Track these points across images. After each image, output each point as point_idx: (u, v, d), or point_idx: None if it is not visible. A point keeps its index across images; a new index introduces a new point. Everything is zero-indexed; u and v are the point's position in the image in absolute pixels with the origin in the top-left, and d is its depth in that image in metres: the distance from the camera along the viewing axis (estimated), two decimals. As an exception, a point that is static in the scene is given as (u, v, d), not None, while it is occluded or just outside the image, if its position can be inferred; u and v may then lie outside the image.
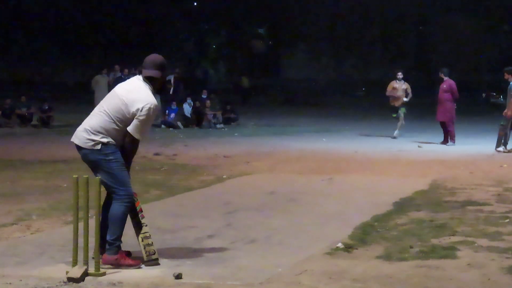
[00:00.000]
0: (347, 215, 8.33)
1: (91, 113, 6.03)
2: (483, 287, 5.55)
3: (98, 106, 6.05)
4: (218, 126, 22.39)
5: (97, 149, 5.86)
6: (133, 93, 5.92)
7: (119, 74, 22.17)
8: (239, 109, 25.94)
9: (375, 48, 43.24)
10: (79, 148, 5.97)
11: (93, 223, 5.70)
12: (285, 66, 46.44)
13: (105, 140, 5.86)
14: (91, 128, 5.89)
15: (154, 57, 6.18)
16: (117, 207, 5.88)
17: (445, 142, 17.22)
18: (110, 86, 22.31)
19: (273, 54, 46.86)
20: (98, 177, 5.86)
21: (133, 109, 5.85)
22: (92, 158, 5.91)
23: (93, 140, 5.86)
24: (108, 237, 5.85)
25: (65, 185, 9.75)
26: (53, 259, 6.17)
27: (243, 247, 6.68)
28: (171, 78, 24.24)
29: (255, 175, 11.82)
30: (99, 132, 5.87)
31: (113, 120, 5.88)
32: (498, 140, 15.61)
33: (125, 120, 5.88)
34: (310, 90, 38.93)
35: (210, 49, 45.41)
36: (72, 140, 6.00)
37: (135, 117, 5.86)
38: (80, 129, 5.96)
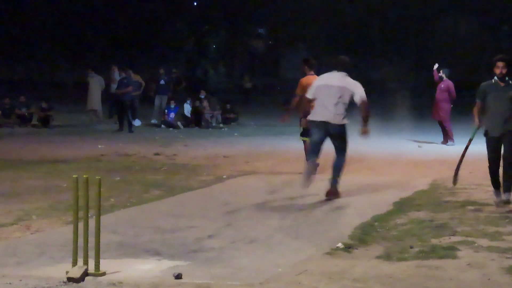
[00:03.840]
0: (347, 215, 8.34)
1: (326, 106, 9.33)
2: (483, 287, 5.56)
3: (328, 100, 9.35)
4: (214, 124, 22.36)
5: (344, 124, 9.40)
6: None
7: (116, 74, 22.12)
8: (240, 108, 25.93)
9: (375, 48, 43.22)
10: (329, 124, 9.32)
11: (93, 223, 5.70)
12: (285, 66, 46.41)
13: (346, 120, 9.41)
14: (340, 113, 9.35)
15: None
16: (342, 159, 9.56)
17: (445, 142, 17.23)
18: (110, 86, 22.36)
19: (273, 54, 46.84)
20: (99, 177, 5.86)
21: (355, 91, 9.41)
22: (338, 131, 9.39)
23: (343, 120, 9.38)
24: (337, 178, 9.48)
25: (65, 185, 9.74)
26: (53, 259, 6.17)
27: (243, 247, 6.69)
28: (168, 78, 24.22)
29: (255, 175, 11.82)
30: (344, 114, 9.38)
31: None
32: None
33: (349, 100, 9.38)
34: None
35: (210, 49, 45.39)
36: (322, 119, 9.32)
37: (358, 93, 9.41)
38: (331, 113, 9.31)
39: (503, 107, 8.70)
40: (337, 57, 9.79)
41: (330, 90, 9.39)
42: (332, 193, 9.43)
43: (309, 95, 9.70)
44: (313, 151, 9.56)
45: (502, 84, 8.72)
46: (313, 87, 9.67)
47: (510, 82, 8.71)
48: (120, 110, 20.36)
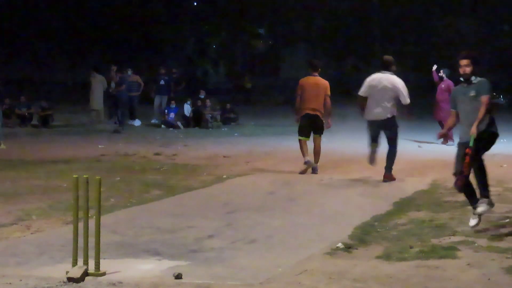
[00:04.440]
0: (347, 215, 8.34)
1: (379, 105, 10.92)
2: (483, 287, 5.56)
3: (382, 100, 10.93)
4: (214, 123, 22.35)
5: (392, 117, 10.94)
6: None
7: (114, 74, 22.19)
8: (240, 109, 25.92)
9: (375, 48, 43.24)
10: (380, 120, 10.90)
11: (93, 223, 5.70)
12: (285, 66, 46.41)
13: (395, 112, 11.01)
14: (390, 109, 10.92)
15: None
16: (394, 149, 11.04)
17: (445, 142, 17.23)
18: (110, 85, 22.39)
19: (273, 54, 46.82)
20: (99, 177, 5.86)
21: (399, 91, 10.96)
22: (388, 123, 10.90)
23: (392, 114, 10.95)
24: (390, 165, 11.04)
25: (65, 185, 9.74)
26: (53, 259, 6.17)
27: (243, 247, 6.69)
28: (168, 78, 24.24)
29: (255, 175, 11.82)
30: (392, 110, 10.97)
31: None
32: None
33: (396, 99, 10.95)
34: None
35: (210, 49, 45.37)
36: (375, 119, 10.90)
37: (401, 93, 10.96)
38: (381, 110, 10.93)
39: (468, 110, 7.50)
40: (386, 58, 11.37)
41: (383, 91, 10.88)
42: (388, 177, 10.99)
43: (362, 93, 11.09)
44: (372, 140, 11.04)
45: (466, 85, 7.53)
46: (367, 86, 11.02)
47: (474, 81, 7.48)
48: (115, 108, 20.64)
